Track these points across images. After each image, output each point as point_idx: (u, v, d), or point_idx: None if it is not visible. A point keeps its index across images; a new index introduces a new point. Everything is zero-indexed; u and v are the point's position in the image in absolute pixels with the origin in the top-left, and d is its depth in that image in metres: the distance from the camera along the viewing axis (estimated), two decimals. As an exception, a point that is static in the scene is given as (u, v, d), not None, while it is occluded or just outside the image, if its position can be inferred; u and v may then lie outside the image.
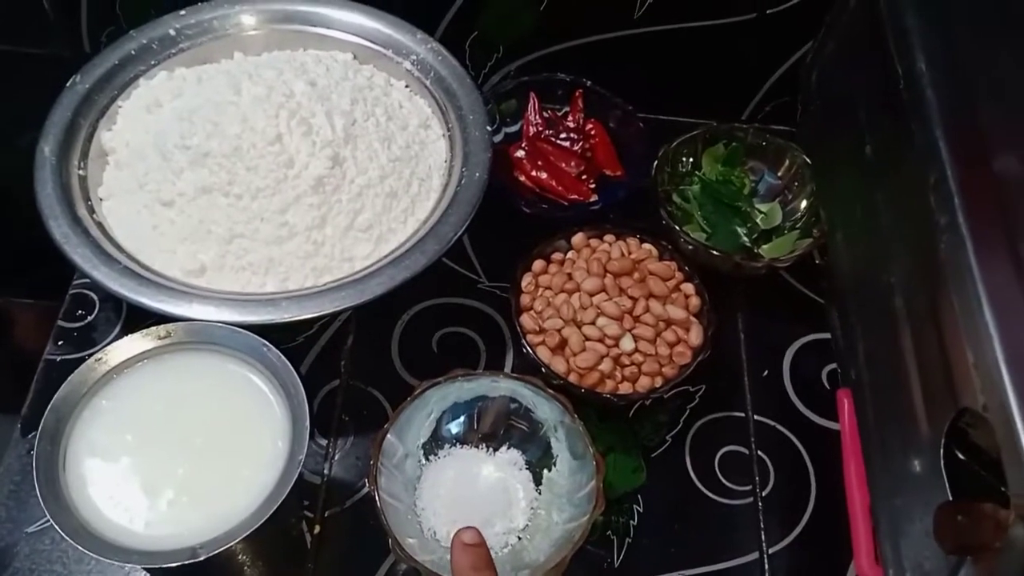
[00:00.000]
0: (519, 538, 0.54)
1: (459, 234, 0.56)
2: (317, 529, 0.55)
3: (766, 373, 0.64)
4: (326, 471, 0.57)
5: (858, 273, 0.57)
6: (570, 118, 0.72)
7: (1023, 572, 0.37)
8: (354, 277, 0.54)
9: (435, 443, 0.56)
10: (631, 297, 0.59)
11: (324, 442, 0.59)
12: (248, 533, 0.42)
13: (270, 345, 0.48)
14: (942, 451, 0.43)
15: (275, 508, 0.43)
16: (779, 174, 0.70)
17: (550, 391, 0.55)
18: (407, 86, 0.67)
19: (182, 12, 0.66)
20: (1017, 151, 0.47)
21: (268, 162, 0.56)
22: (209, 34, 0.66)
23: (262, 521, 0.42)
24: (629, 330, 0.58)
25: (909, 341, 0.48)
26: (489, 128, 0.62)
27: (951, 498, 0.42)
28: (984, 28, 0.52)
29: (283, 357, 0.48)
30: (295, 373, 0.47)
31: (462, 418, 0.56)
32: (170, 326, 0.49)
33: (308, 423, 0.46)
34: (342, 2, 0.68)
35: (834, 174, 0.64)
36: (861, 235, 0.57)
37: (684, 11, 0.70)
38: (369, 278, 0.54)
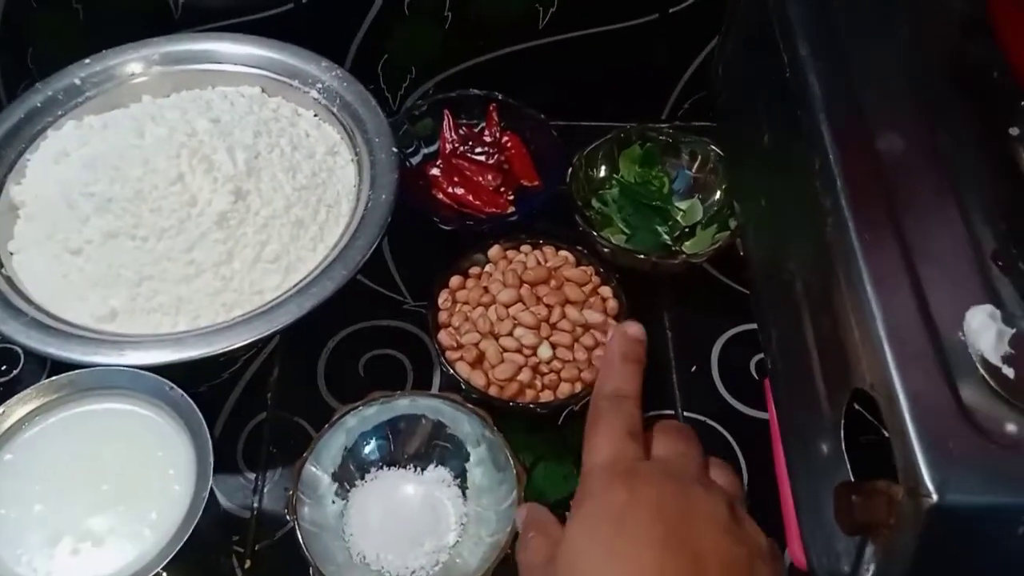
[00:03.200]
0: (449, 554, 0.54)
1: (366, 256, 0.56)
2: (248, 564, 0.55)
3: (695, 369, 0.64)
4: (255, 504, 0.57)
5: (766, 262, 0.57)
6: (486, 132, 0.72)
7: (917, 547, 0.37)
8: (262, 309, 0.54)
9: (361, 467, 0.56)
10: (547, 305, 0.59)
11: (252, 475, 0.58)
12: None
13: (173, 385, 0.48)
14: (842, 432, 0.43)
15: (177, 549, 0.43)
16: (695, 169, 0.70)
17: (469, 406, 0.55)
18: (315, 115, 0.67)
19: (87, 60, 0.66)
20: (896, 134, 0.47)
21: (171, 202, 0.56)
22: (114, 80, 0.66)
23: (164, 563, 0.42)
24: (546, 338, 0.58)
25: (809, 326, 0.49)
26: (395, 149, 0.62)
27: (851, 479, 0.42)
28: (864, 15, 0.53)
29: (186, 396, 0.48)
30: (198, 411, 0.47)
31: (384, 440, 0.56)
32: (72, 374, 0.49)
33: (212, 459, 0.46)
34: (246, 37, 0.68)
35: (742, 166, 0.64)
36: (766, 224, 0.58)
37: (587, 18, 0.70)
38: (277, 308, 0.54)
